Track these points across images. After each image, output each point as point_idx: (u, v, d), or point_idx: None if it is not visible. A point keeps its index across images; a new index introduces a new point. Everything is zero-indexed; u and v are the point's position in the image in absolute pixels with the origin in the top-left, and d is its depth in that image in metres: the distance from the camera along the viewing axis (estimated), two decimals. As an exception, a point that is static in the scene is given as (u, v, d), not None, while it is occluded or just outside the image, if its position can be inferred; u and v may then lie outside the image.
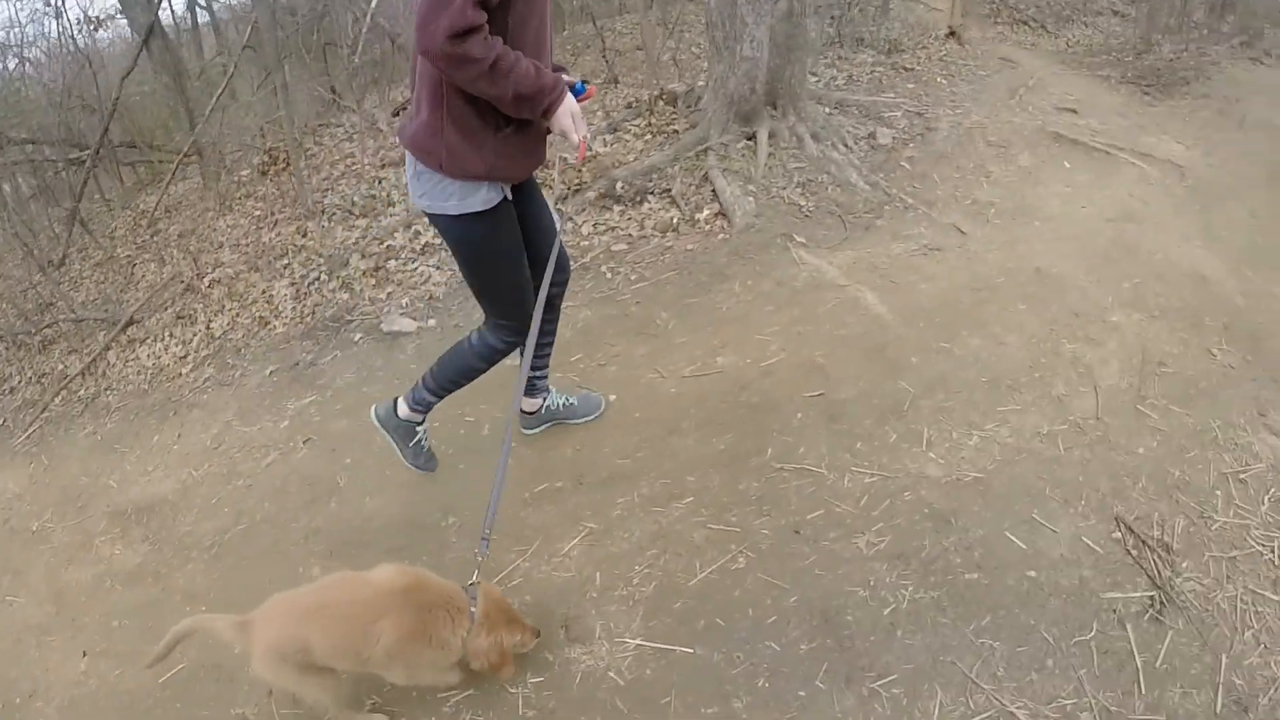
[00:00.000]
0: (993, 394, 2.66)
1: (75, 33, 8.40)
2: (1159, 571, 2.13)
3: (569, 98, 1.60)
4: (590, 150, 2.09)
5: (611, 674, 1.84)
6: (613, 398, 2.72)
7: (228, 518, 2.70)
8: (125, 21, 7.70)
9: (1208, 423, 2.77)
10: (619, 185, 4.63)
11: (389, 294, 3.97)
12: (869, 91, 6.43)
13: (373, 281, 4.12)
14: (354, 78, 7.51)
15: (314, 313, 3.98)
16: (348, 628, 1.49)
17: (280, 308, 4.18)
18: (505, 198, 1.73)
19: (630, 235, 4.02)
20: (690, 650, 1.87)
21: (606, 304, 3.40)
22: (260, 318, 4.15)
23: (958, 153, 4.98)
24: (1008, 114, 5.72)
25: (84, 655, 2.30)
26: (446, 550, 2.26)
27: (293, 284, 4.35)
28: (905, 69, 6.84)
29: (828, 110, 5.59)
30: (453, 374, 2.05)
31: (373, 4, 6.69)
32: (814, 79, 6.51)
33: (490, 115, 1.57)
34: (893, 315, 3.30)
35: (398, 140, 1.79)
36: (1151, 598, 2.08)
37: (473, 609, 1.53)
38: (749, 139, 4.85)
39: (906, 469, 2.32)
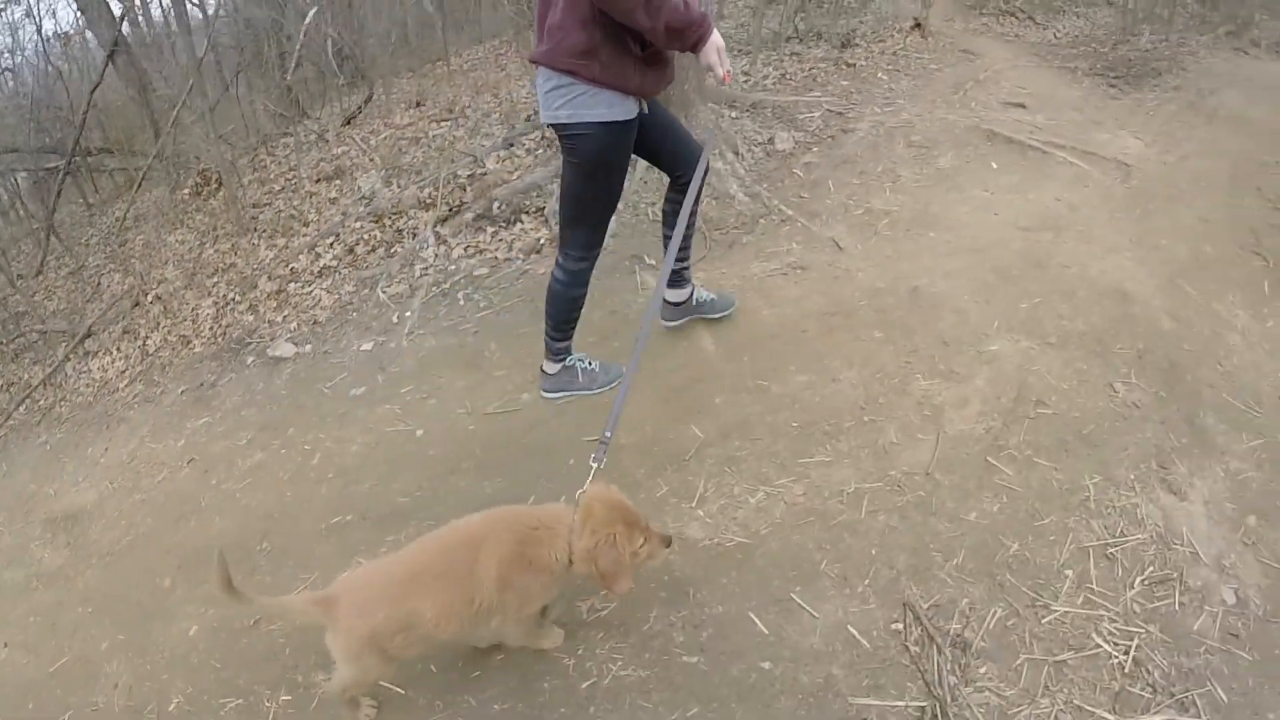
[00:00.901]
0: (801, 442, 2.41)
1: (46, 48, 9.51)
2: (940, 676, 1.77)
3: (715, 32, 1.92)
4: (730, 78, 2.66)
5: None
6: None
7: (122, 529, 3.12)
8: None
9: (1080, 480, 2.46)
10: (496, 206, 4.65)
11: (284, 317, 4.28)
12: (796, 90, 6.32)
13: (274, 304, 4.45)
14: (288, 93, 8.15)
15: (225, 333, 4.36)
16: (453, 578, 1.54)
17: (201, 327, 4.60)
18: (642, 111, 2.08)
19: (496, 259, 4.19)
20: (402, 691, 1.95)
21: (450, 334, 3.56)
22: (183, 336, 4.58)
23: (868, 156, 4.78)
24: (944, 111, 5.54)
25: (4, 646, 2.77)
26: (255, 573, 2.53)
27: (216, 303, 4.77)
28: (848, 65, 6.78)
29: (733, 114, 5.46)
30: (564, 314, 2.43)
31: (306, 20, 7.01)
32: (744, 79, 6.57)
33: (634, 38, 1.89)
34: (717, 347, 3.15)
35: (535, 61, 2.05)
36: (922, 710, 1.73)
37: (574, 517, 1.58)
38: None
39: (665, 528, 2.20)
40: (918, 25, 8.11)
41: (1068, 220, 3.98)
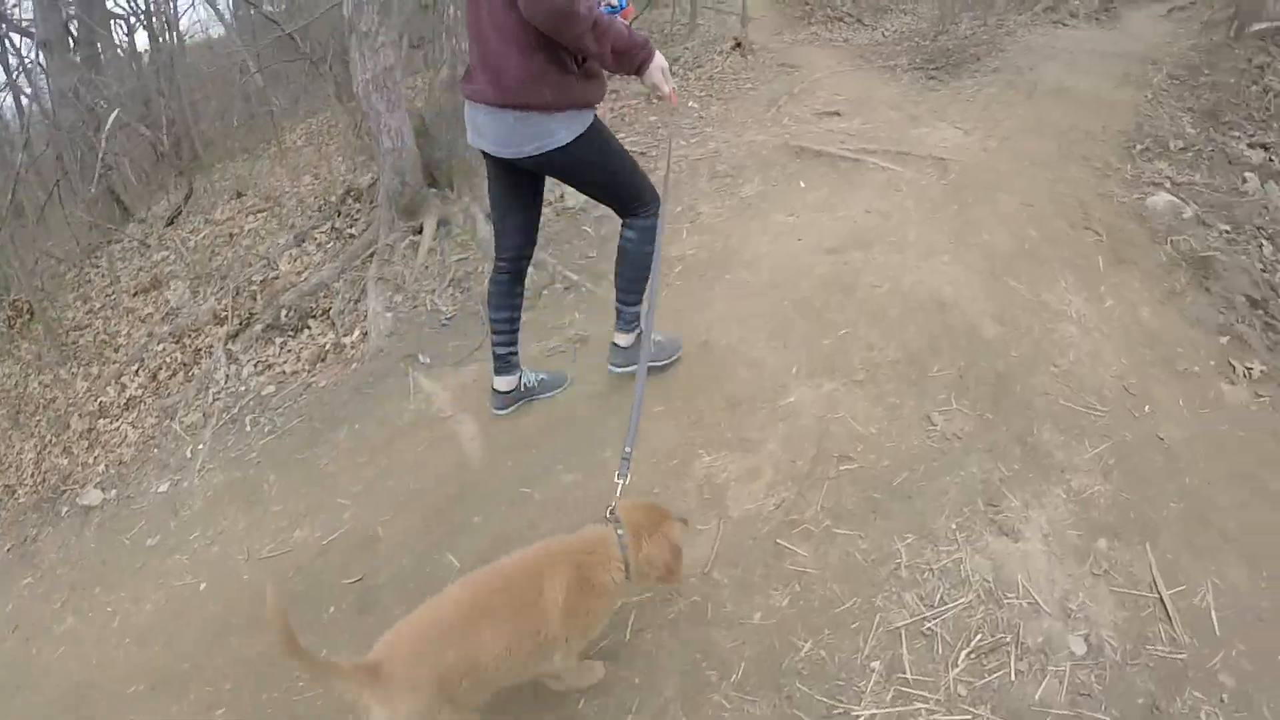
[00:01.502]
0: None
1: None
2: None
3: (658, 54, 2.12)
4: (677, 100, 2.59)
5: None
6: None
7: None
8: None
9: (890, 545, 2.23)
10: (284, 313, 4.46)
11: (95, 458, 4.07)
12: None
13: (85, 444, 4.25)
14: (109, 196, 7.98)
15: (45, 480, 4.12)
16: (516, 612, 1.53)
17: (24, 474, 4.35)
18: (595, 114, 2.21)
19: (284, 373, 4.05)
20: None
21: (237, 465, 3.40)
22: (8, 485, 4.32)
23: (669, 195, 4.57)
24: (754, 132, 5.51)
25: None
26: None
27: (36, 445, 4.53)
28: (659, 97, 6.62)
29: None
30: (639, 273, 2.52)
31: (106, 125, 6.87)
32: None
33: (571, 56, 2.02)
34: (483, 452, 2.92)
35: (481, 101, 2.12)
36: None
37: (619, 533, 1.67)
38: (417, 233, 4.79)
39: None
40: (738, 45, 8.35)
41: (879, 232, 3.87)
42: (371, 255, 4.59)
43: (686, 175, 4.95)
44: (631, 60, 2.08)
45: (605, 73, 2.23)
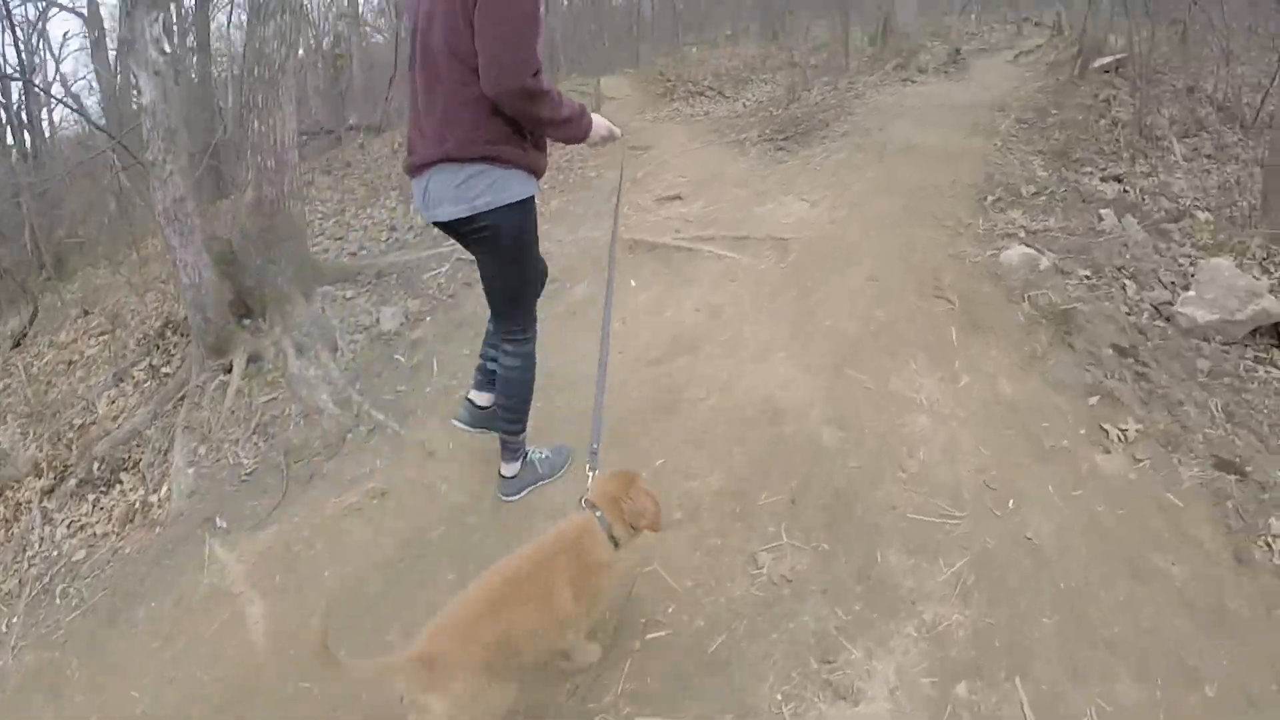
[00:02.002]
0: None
1: None
2: None
3: (596, 116, 2.40)
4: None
5: None
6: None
7: None
8: None
9: None
10: (96, 465, 4.17)
11: None
12: (435, 240, 5.94)
13: None
14: None
15: None
16: (536, 598, 1.80)
17: None
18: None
19: (95, 535, 3.82)
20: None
21: (45, 645, 3.14)
22: None
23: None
24: (590, 227, 5.35)
25: None
26: None
27: None
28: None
29: (348, 294, 5.04)
30: (523, 402, 2.65)
31: None
32: (385, 237, 6.47)
33: (520, 128, 2.23)
34: (268, 639, 2.66)
35: (436, 160, 2.25)
36: None
37: (598, 514, 1.98)
38: (227, 372, 4.55)
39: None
40: None
41: (709, 331, 3.69)
42: (183, 398, 4.41)
43: None
44: (580, 126, 2.31)
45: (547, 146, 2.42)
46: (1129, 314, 4.18)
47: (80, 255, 9.27)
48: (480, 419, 2.90)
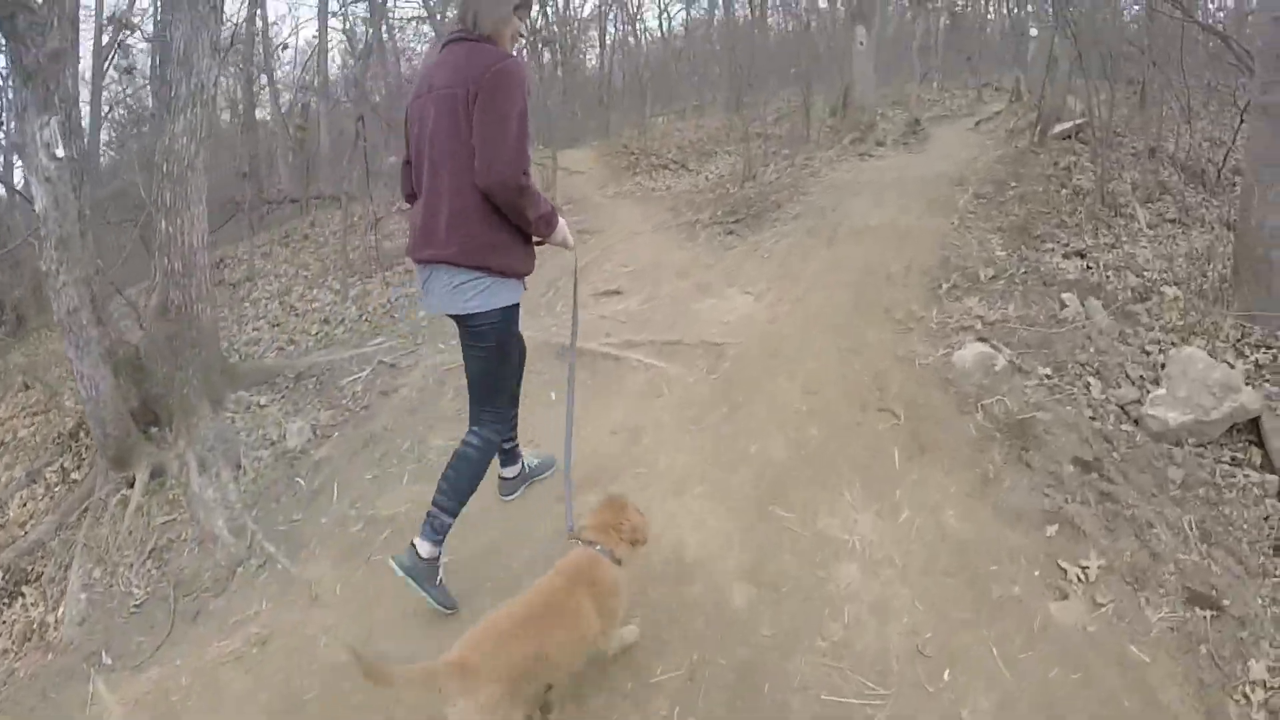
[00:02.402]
0: None
1: None
2: None
3: (560, 219, 2.58)
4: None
5: None
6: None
7: None
8: None
9: None
10: (2, 575, 4.01)
11: None
12: (362, 336, 5.62)
13: None
14: None
15: None
16: (562, 617, 2.03)
17: None
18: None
19: None
20: None
21: None
22: None
23: (400, 426, 4.10)
24: (522, 324, 4.89)
25: None
26: None
27: None
28: (393, 311, 6.28)
29: (261, 400, 4.95)
30: (468, 483, 2.67)
31: None
32: (297, 341, 6.21)
33: (516, 229, 2.43)
34: None
35: (438, 261, 2.42)
36: None
37: (596, 547, 2.21)
38: (130, 485, 4.33)
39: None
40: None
41: (624, 461, 3.33)
42: (86, 510, 4.25)
43: (431, 392, 4.40)
44: (553, 222, 2.47)
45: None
46: (1093, 418, 3.80)
47: (41, 315, 8.93)
48: (507, 488, 3.16)
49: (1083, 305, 4.69)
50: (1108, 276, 5.20)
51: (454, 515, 2.68)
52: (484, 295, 2.42)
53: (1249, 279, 4.57)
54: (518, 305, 2.58)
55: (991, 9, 19.49)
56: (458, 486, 2.66)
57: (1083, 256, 5.55)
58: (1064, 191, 6.52)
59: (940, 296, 4.76)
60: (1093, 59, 6.96)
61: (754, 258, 5.51)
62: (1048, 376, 4.01)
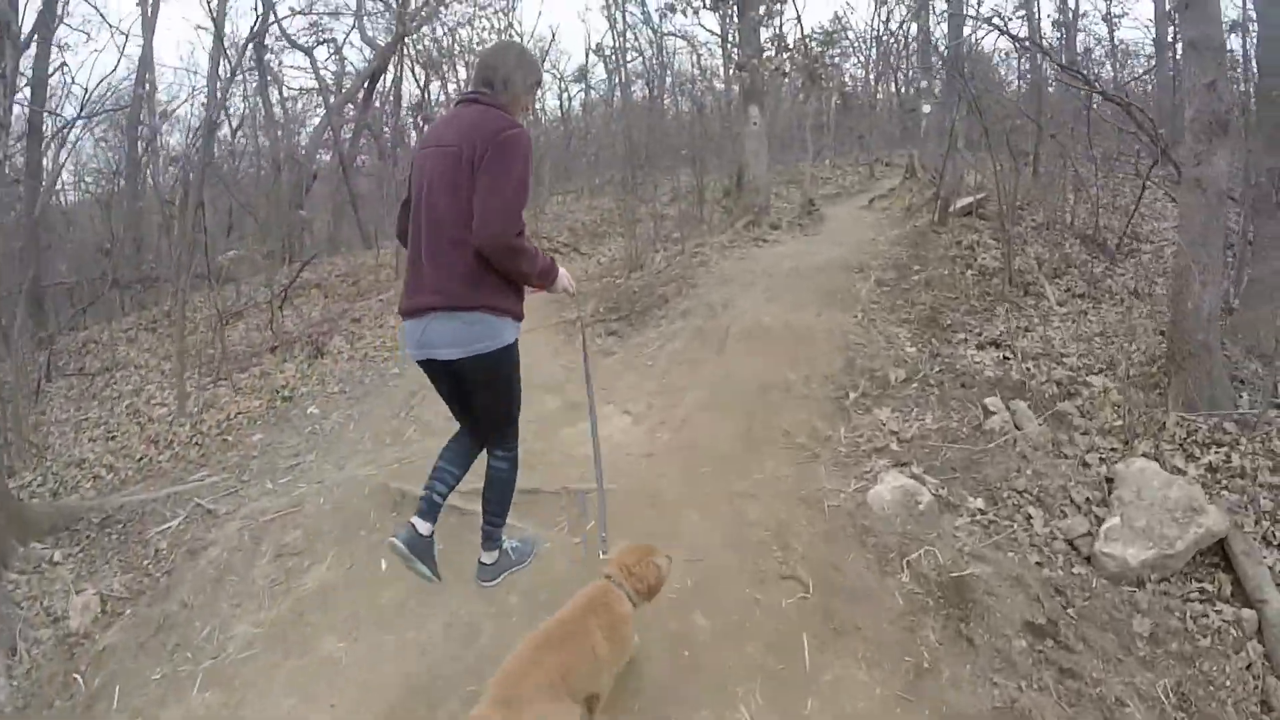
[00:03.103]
0: None
1: None
2: None
3: (560, 268, 2.64)
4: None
5: None
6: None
7: None
8: None
9: None
10: None
11: None
12: (186, 467, 4.69)
13: None
14: None
15: None
16: (578, 641, 2.16)
17: None
18: None
19: None
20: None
21: None
22: None
23: (201, 604, 3.37)
24: (360, 461, 4.23)
25: None
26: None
27: None
28: (284, 398, 5.29)
29: (55, 556, 3.97)
30: (507, 498, 2.83)
31: None
32: (118, 469, 5.31)
33: (507, 279, 2.47)
34: None
35: (424, 309, 2.46)
36: None
37: (617, 583, 2.34)
38: None
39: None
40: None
41: (455, 675, 2.51)
42: None
43: (245, 553, 3.53)
44: (551, 275, 2.54)
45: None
46: (1039, 563, 3.11)
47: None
48: (419, 548, 2.69)
49: (1009, 410, 4.05)
50: (1028, 369, 4.61)
51: (503, 522, 2.85)
52: (492, 335, 2.45)
53: (1188, 365, 4.03)
54: (517, 342, 2.59)
55: (880, 88, 19.89)
56: (502, 501, 2.81)
57: (998, 346, 4.97)
58: (969, 273, 6.02)
59: (848, 409, 4.06)
60: (996, 133, 6.58)
61: (636, 367, 4.76)
62: (981, 511, 3.31)
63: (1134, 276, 6.45)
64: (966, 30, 9.23)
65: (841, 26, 17.62)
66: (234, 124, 13.43)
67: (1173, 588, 3.18)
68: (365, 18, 13.67)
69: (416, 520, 2.69)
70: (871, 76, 19.65)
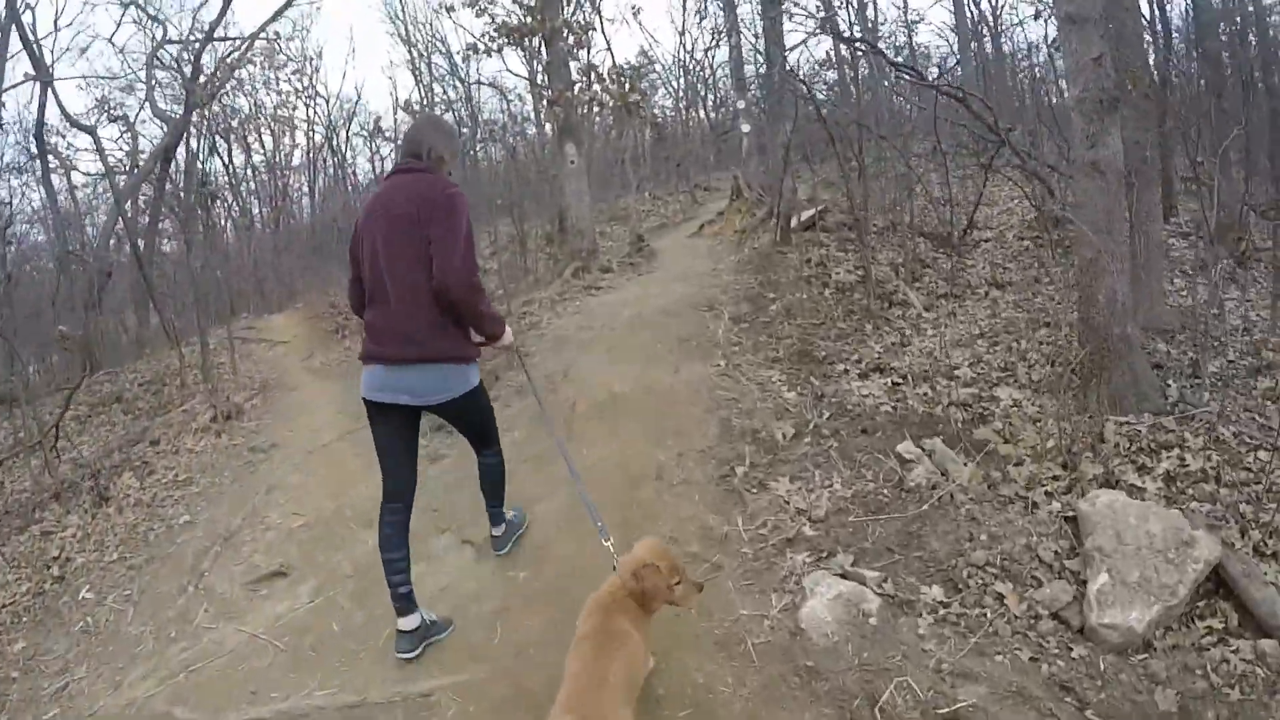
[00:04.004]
0: None
1: None
2: None
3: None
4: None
5: None
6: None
7: None
8: None
9: None
10: None
11: None
12: None
13: None
14: None
15: None
16: (633, 650, 2.08)
17: None
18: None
19: None
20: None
21: None
22: None
23: None
24: (133, 680, 2.94)
25: None
26: None
27: None
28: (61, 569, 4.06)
29: None
30: (501, 484, 3.17)
31: None
32: None
33: (466, 329, 2.73)
34: None
35: (396, 360, 2.64)
36: None
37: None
38: None
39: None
40: (216, 417, 5.97)
41: None
42: None
43: None
44: (499, 323, 2.76)
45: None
46: (1035, 658, 2.35)
47: None
48: (420, 637, 2.77)
49: (926, 454, 3.33)
50: (925, 394, 3.97)
51: (503, 501, 3.19)
52: (464, 380, 2.70)
53: (1110, 363, 3.47)
54: (481, 381, 2.82)
55: (691, 115, 19.90)
56: (497, 487, 3.13)
57: (881, 371, 4.33)
58: (827, 291, 5.43)
59: (738, 490, 3.23)
60: (843, 140, 6.09)
61: (468, 485, 3.71)
62: (942, 604, 2.54)
63: (987, 265, 6.12)
64: (799, 37, 8.96)
65: (649, 60, 17.49)
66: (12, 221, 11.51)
67: (1181, 639, 2.50)
68: (156, 89, 11.99)
69: (402, 622, 2.77)
70: (682, 105, 19.78)
